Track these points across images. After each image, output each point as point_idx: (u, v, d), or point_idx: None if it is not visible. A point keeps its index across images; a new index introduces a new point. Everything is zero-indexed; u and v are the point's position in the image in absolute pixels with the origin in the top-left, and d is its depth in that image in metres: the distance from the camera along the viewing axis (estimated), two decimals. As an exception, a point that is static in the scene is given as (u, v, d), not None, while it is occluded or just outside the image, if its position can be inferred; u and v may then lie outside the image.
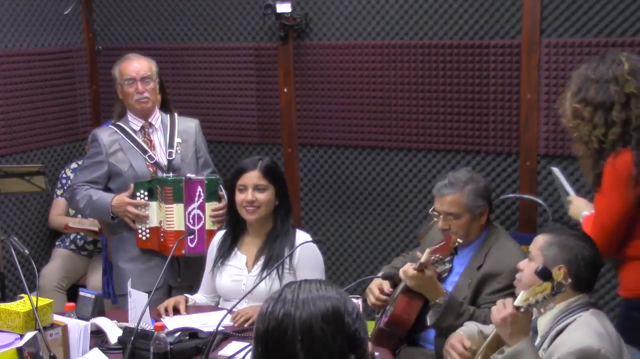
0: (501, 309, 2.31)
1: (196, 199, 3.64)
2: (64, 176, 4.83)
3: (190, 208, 3.64)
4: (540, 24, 4.04)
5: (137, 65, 3.76)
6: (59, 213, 4.82)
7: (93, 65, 5.30)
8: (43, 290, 4.44)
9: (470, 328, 2.80)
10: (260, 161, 3.27)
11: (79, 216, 4.73)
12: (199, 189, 3.64)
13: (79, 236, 4.74)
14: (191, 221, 3.64)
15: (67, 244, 4.78)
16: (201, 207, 3.65)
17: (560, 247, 2.46)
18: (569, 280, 2.26)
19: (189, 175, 3.69)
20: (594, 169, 2.78)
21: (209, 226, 3.63)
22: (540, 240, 2.54)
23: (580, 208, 3.05)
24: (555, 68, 4.03)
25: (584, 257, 2.45)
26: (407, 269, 2.99)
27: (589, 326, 2.37)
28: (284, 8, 4.53)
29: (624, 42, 3.86)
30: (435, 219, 3.19)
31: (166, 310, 3.20)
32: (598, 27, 3.92)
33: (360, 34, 4.53)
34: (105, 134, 3.77)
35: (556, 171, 3.47)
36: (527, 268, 2.54)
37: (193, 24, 5.00)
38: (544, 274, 2.15)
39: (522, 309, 2.26)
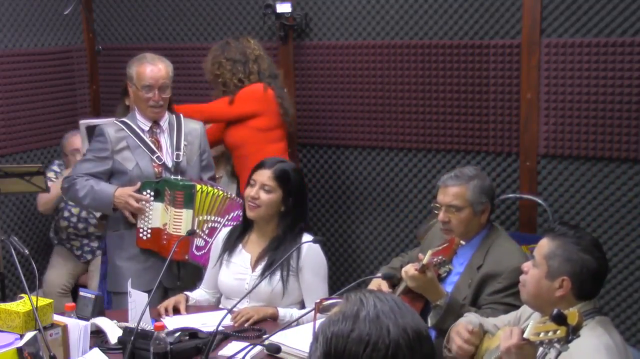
0: (507, 337, 2.23)
1: (227, 216, 3.65)
2: (53, 168, 4.72)
3: (214, 217, 3.63)
4: (540, 24, 4.04)
5: (157, 72, 3.65)
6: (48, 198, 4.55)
7: (93, 65, 5.30)
8: (48, 296, 4.38)
9: (472, 319, 2.80)
10: (278, 163, 3.27)
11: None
12: (238, 211, 3.62)
13: (72, 225, 4.61)
14: (205, 230, 3.62)
15: (63, 238, 4.66)
16: (228, 226, 3.60)
17: (565, 259, 2.42)
18: (584, 323, 2.20)
19: (233, 194, 3.71)
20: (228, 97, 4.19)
21: None
22: (545, 246, 2.48)
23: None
24: (555, 68, 4.03)
25: (589, 269, 2.40)
26: (409, 269, 2.98)
27: (598, 339, 2.33)
28: (284, 8, 4.53)
29: (624, 42, 3.85)
30: (436, 211, 3.19)
31: (166, 310, 3.20)
32: (598, 27, 3.92)
33: (360, 34, 4.53)
34: (112, 130, 3.65)
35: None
36: (531, 273, 2.51)
37: (193, 24, 5.00)
38: (559, 319, 2.09)
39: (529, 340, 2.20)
